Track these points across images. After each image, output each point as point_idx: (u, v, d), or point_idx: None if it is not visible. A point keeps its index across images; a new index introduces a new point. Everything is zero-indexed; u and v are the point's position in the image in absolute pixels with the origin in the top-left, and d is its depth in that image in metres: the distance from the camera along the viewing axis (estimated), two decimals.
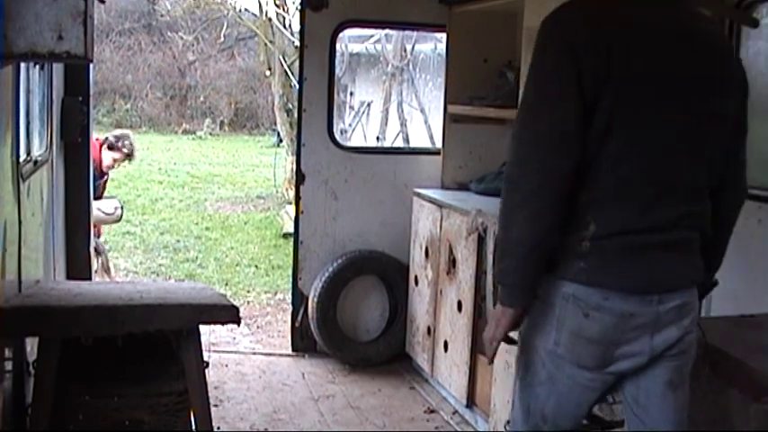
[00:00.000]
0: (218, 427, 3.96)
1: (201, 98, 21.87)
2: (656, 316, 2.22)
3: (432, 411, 4.58)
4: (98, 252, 6.07)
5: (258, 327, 6.39)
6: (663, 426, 2.33)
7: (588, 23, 2.17)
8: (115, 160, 6.02)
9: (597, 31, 2.15)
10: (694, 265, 2.33)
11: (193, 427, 3.32)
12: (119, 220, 6.17)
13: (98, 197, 5.85)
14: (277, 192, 12.93)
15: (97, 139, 5.89)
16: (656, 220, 2.20)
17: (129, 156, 6.07)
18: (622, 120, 2.15)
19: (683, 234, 2.27)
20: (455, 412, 4.51)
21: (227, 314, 3.27)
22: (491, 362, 2.46)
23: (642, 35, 2.20)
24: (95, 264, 5.87)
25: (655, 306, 2.22)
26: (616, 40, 2.15)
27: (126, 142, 6.03)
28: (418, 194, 4.97)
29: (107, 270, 6.12)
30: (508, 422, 2.57)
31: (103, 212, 5.86)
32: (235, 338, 5.82)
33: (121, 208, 6.05)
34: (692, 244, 2.31)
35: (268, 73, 13.42)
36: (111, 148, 5.98)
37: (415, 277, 4.99)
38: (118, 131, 6.36)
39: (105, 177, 6.19)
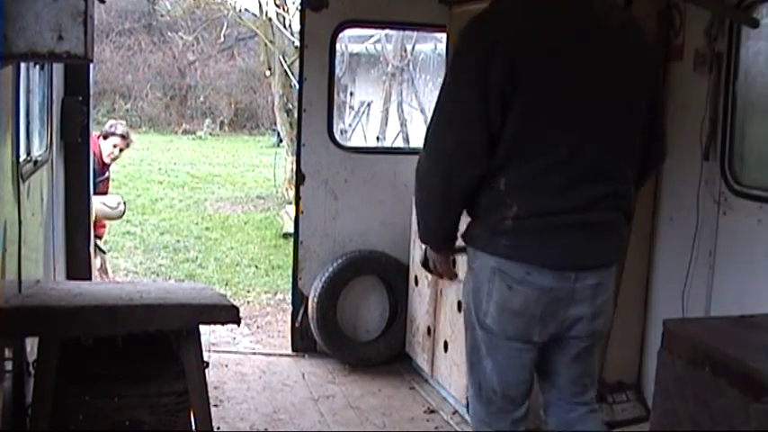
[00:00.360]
0: (218, 427, 3.96)
1: (201, 98, 21.88)
2: (572, 292, 2.45)
3: (432, 411, 4.58)
4: (100, 250, 6.10)
5: (258, 327, 6.39)
6: (569, 384, 2.66)
7: (498, 38, 2.37)
8: (115, 145, 6.14)
9: (507, 44, 2.35)
10: (612, 246, 2.54)
11: (193, 427, 3.32)
12: (122, 215, 6.21)
13: (100, 194, 5.87)
14: (277, 192, 12.93)
15: (96, 136, 5.99)
16: (574, 203, 2.40)
17: (125, 137, 6.16)
18: (536, 120, 2.38)
19: (602, 215, 2.46)
20: (455, 412, 4.51)
21: (227, 314, 3.27)
22: (452, 277, 2.86)
23: (551, 42, 2.40)
24: (98, 263, 5.89)
25: (571, 282, 2.44)
26: (525, 50, 2.37)
27: (118, 126, 6.24)
28: None
29: (105, 271, 6.13)
30: (468, 405, 2.82)
31: (108, 206, 5.89)
32: (235, 338, 5.82)
33: (124, 204, 6.10)
34: (611, 225, 2.51)
35: (268, 73, 13.42)
36: (105, 137, 6.17)
37: (415, 277, 4.99)
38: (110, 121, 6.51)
39: (107, 175, 6.22)
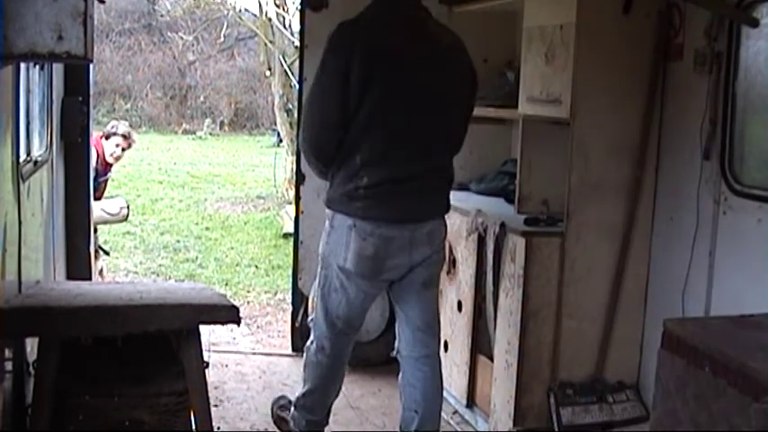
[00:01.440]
0: (218, 427, 3.96)
1: (201, 98, 21.86)
2: (411, 238, 3.26)
3: None
4: (104, 251, 6.09)
5: (258, 327, 6.39)
6: (420, 313, 3.44)
7: (360, 42, 3.11)
8: (117, 145, 6.14)
9: (366, 48, 3.10)
10: (439, 203, 3.39)
11: (193, 427, 3.32)
12: (125, 219, 6.20)
13: (97, 198, 5.84)
14: (277, 192, 12.92)
15: (98, 136, 5.99)
16: (410, 173, 3.21)
17: (127, 137, 6.16)
18: (382, 110, 3.14)
19: (430, 183, 3.30)
20: (455, 412, 4.51)
21: (227, 314, 3.27)
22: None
23: (398, 50, 3.19)
24: (99, 265, 5.87)
25: (410, 232, 3.25)
26: (379, 55, 3.12)
27: (120, 126, 6.26)
28: None
29: (100, 272, 6.12)
30: (311, 320, 3.54)
31: (107, 213, 5.87)
32: (235, 338, 5.81)
33: (127, 207, 6.08)
34: (438, 189, 3.37)
35: (268, 73, 13.42)
36: (108, 137, 6.17)
37: None
38: (112, 122, 6.52)
39: (107, 176, 6.22)
